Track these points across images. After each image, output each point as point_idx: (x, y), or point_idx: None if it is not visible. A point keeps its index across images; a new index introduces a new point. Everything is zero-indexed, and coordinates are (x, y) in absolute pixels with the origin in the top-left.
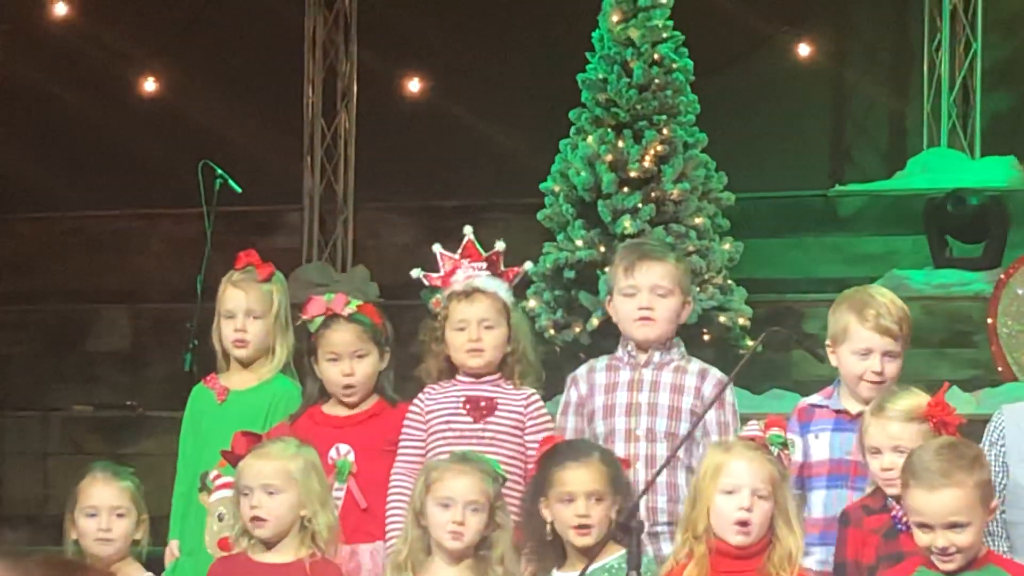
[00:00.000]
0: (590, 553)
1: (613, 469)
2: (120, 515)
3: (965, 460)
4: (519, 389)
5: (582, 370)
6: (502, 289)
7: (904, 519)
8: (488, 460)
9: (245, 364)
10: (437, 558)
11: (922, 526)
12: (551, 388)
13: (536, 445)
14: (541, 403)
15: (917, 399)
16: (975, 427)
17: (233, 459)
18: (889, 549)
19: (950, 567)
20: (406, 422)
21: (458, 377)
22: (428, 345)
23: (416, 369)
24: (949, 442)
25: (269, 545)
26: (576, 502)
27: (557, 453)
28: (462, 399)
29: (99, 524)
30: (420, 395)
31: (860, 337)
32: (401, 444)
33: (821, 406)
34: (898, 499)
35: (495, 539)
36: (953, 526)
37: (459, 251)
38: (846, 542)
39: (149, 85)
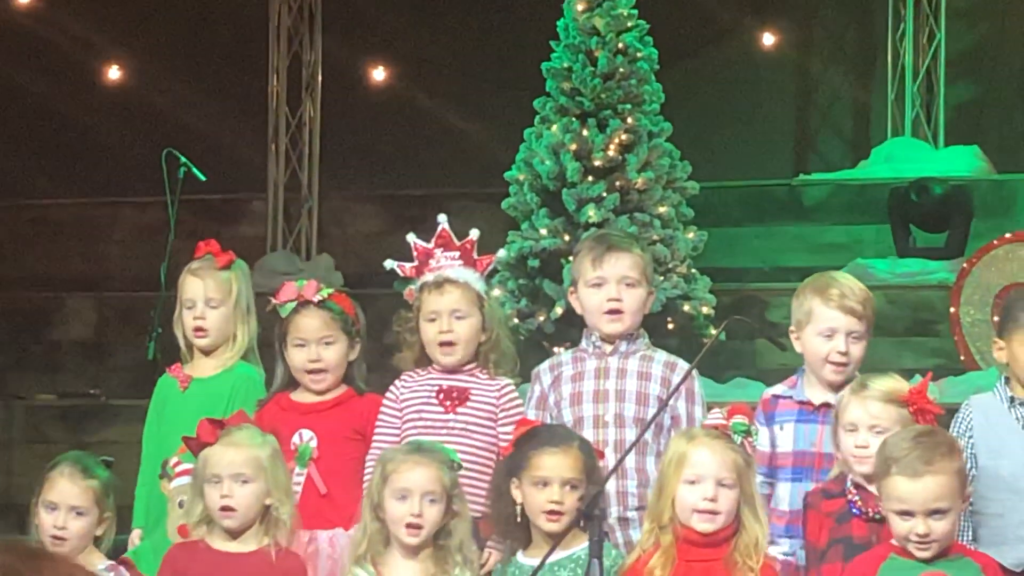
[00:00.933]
0: (557, 539)
1: (591, 459)
2: (79, 514)
3: (945, 447)
4: (493, 379)
5: (545, 364)
6: (474, 279)
7: (859, 504)
8: (444, 449)
9: (206, 352)
10: (396, 549)
11: (903, 513)
12: (528, 379)
13: (510, 436)
14: (515, 393)
15: (898, 383)
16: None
17: (196, 446)
18: (840, 533)
19: (926, 555)
20: (382, 410)
21: (434, 366)
22: (403, 336)
23: (392, 359)
24: (926, 429)
25: (233, 534)
26: (551, 487)
27: (535, 436)
28: (435, 389)
29: (55, 521)
30: (396, 382)
31: (825, 317)
32: (376, 431)
33: (785, 397)
34: (867, 479)
35: (453, 528)
36: (935, 512)
37: (433, 239)
38: (807, 525)
39: (113, 73)
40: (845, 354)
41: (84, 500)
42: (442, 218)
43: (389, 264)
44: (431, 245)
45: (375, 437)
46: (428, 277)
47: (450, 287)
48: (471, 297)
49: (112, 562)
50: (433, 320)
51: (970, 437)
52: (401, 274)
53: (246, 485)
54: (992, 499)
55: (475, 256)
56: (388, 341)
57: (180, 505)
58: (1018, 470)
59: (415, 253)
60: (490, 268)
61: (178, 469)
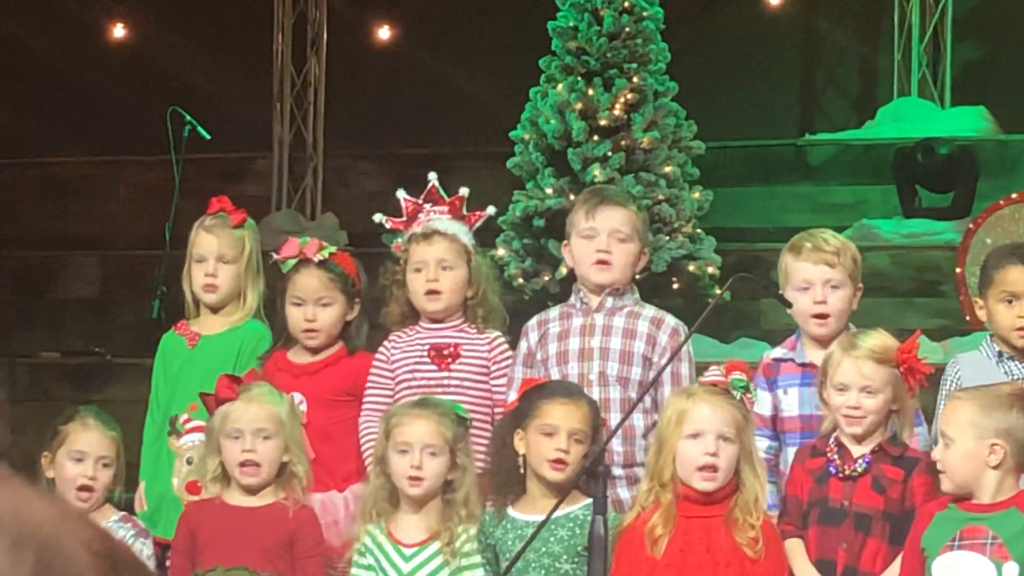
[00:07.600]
0: (559, 492)
1: (596, 417)
2: (106, 465)
3: None
4: (482, 333)
5: (533, 321)
6: (462, 232)
7: (836, 463)
8: (449, 403)
9: (215, 309)
10: (402, 504)
11: None
12: (519, 335)
13: (502, 388)
14: (506, 346)
15: (887, 340)
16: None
17: (213, 403)
18: (817, 495)
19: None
20: (373, 369)
21: (421, 324)
22: (390, 289)
23: (379, 315)
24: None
25: (251, 491)
26: (558, 436)
27: (546, 388)
28: (426, 347)
29: (84, 471)
30: (385, 343)
31: (797, 270)
32: (368, 391)
33: (786, 360)
34: (858, 438)
35: (459, 482)
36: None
37: (422, 196)
38: (790, 477)
39: (119, 31)
40: (823, 303)
41: (110, 451)
42: (432, 176)
43: (378, 218)
44: (420, 200)
45: (366, 397)
46: (416, 229)
47: (438, 238)
48: (458, 249)
49: (124, 513)
50: (420, 270)
51: None
52: (389, 227)
53: (268, 441)
54: None
55: (464, 212)
56: (375, 295)
57: (189, 462)
58: None
59: (404, 207)
60: (479, 223)
61: (188, 426)
